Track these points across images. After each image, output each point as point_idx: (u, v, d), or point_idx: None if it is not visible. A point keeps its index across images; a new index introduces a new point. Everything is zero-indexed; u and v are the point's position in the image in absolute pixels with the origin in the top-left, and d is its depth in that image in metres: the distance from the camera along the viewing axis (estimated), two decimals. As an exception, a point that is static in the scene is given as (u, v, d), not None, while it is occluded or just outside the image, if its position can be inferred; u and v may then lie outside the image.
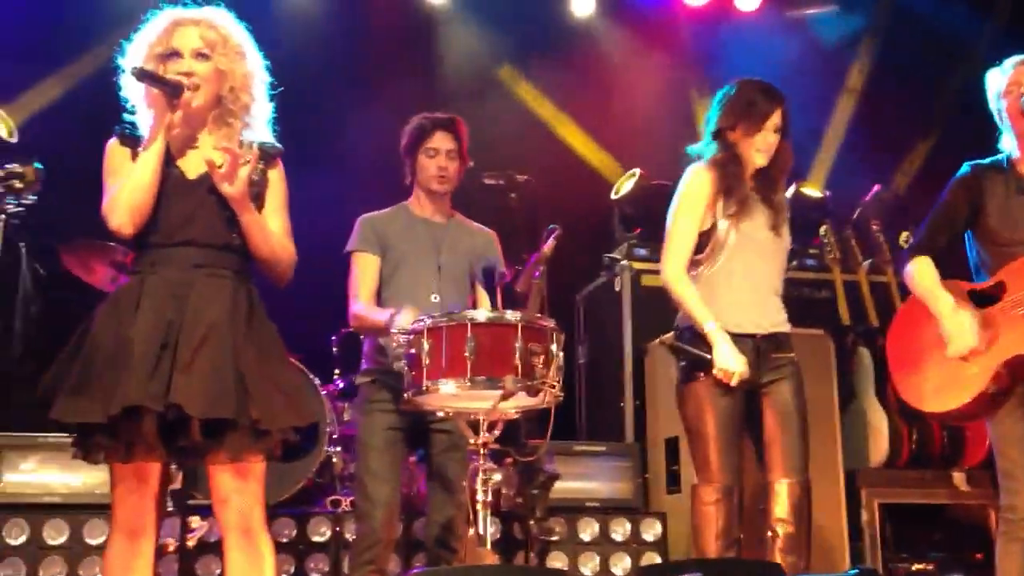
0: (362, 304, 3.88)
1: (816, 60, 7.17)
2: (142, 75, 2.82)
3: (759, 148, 3.69)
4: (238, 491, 2.81)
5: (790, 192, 5.52)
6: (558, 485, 4.48)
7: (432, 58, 6.95)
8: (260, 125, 3.06)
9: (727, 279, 3.65)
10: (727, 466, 3.57)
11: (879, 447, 5.05)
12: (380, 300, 3.93)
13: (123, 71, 2.94)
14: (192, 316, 2.77)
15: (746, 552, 3.74)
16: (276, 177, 3.06)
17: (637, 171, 6.01)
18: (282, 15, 6.66)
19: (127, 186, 2.82)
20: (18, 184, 2.66)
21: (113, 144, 2.95)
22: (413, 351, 3.27)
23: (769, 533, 3.62)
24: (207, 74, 2.91)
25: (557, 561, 4.70)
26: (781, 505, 3.58)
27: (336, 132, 6.19)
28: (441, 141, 3.97)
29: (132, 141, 2.93)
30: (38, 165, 2.73)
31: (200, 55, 2.91)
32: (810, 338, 4.68)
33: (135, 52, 2.95)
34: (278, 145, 3.09)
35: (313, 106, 5.85)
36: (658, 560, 4.79)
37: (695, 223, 3.66)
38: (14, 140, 5.16)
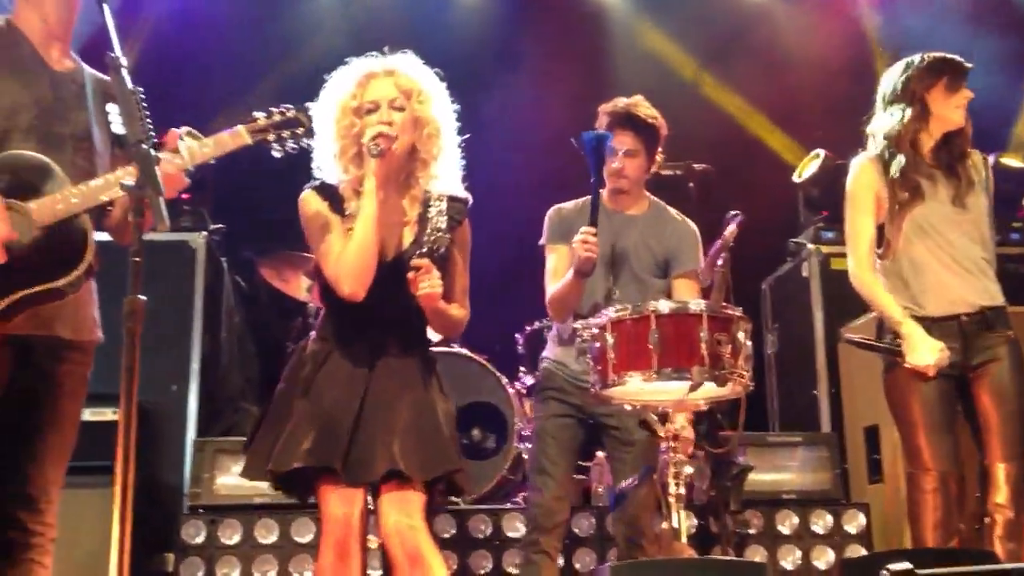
0: (555, 287, 3.84)
1: (1013, 27, 6.74)
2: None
3: (959, 104, 3.60)
4: (399, 509, 2.88)
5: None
6: (753, 477, 4.39)
7: (604, 47, 6.92)
8: (449, 173, 3.09)
9: (912, 267, 3.57)
10: (940, 453, 3.45)
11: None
12: None
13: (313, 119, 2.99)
14: (380, 391, 2.93)
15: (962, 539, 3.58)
16: (461, 236, 3.12)
17: (821, 152, 5.82)
18: (457, 6, 6.81)
19: (351, 251, 2.90)
20: (300, 129, 2.81)
21: (309, 195, 3.02)
22: (598, 345, 3.27)
23: (987, 520, 3.47)
24: (405, 123, 2.97)
25: (756, 555, 4.60)
26: (1000, 491, 3.43)
27: (517, 124, 6.24)
28: (619, 141, 3.86)
29: (326, 192, 3.01)
30: (305, 108, 2.87)
31: (397, 107, 2.97)
32: (1016, 316, 4.42)
33: (328, 107, 3.01)
34: (466, 197, 3.13)
35: (493, 96, 5.93)
36: (863, 553, 4.62)
37: (869, 219, 3.62)
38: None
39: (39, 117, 2.75)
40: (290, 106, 2.85)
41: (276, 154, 2.85)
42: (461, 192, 3.14)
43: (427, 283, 2.88)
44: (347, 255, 2.91)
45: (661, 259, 3.91)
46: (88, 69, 2.93)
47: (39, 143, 2.71)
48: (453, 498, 3.93)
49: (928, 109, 3.59)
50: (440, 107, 3.05)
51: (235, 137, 2.77)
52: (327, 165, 3.04)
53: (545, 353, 4.03)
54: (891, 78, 3.70)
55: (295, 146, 2.87)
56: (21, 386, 2.72)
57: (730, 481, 4.17)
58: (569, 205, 4.00)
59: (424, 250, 3.00)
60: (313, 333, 3.10)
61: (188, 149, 2.71)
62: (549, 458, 3.80)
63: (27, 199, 2.60)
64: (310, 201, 3.02)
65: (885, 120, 3.66)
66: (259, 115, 2.82)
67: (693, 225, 3.99)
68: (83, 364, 2.87)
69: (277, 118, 2.81)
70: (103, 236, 2.85)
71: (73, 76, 2.88)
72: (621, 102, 3.90)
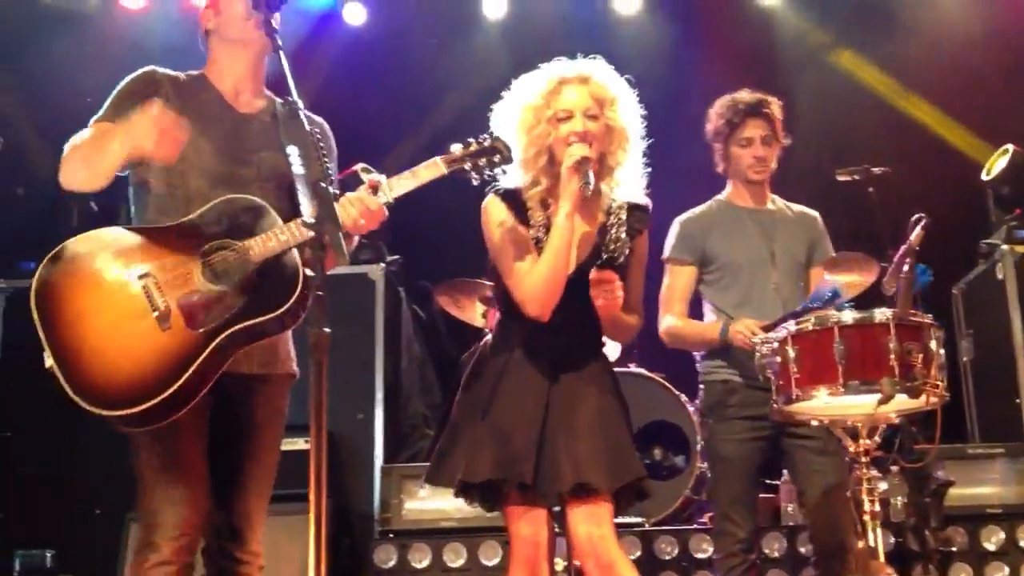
0: (674, 318, 3.81)
1: None
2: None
3: None
4: (589, 520, 2.85)
5: None
6: (953, 492, 4.20)
7: (768, 53, 6.78)
8: (633, 180, 3.04)
9: None
10: None
11: None
12: (719, 305, 3.83)
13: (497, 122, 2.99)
14: (562, 395, 2.92)
15: None
16: (640, 246, 3.06)
17: (1010, 147, 5.53)
18: (619, 26, 6.82)
19: (541, 276, 2.88)
20: (497, 157, 2.85)
21: (493, 201, 3.00)
22: (779, 359, 3.19)
23: None
24: (598, 133, 2.93)
25: (961, 572, 4.42)
26: None
27: (667, 129, 6.16)
28: (754, 129, 3.82)
29: (511, 199, 2.99)
30: (498, 136, 2.89)
31: (591, 116, 2.92)
32: None
33: (517, 110, 2.98)
34: (647, 204, 3.09)
35: (663, 113, 5.89)
36: (1077, 569, 4.35)
37: None
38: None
39: (219, 162, 2.86)
40: (486, 136, 2.87)
41: (474, 182, 2.89)
42: (643, 199, 3.07)
43: (608, 294, 2.85)
44: (536, 280, 2.89)
45: (808, 250, 3.85)
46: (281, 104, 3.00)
47: (222, 187, 2.81)
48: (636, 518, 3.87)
49: None
50: (630, 114, 3.00)
51: (431, 168, 2.82)
52: (511, 169, 2.97)
53: (707, 362, 3.84)
54: None
55: (491, 174, 2.89)
56: (219, 421, 2.83)
57: (929, 497, 4.00)
58: (698, 213, 3.91)
59: (604, 259, 2.96)
60: (489, 338, 3.10)
61: (388, 183, 2.77)
62: (738, 489, 3.65)
63: (243, 239, 2.72)
64: (494, 208, 2.99)
65: None
66: (456, 147, 2.85)
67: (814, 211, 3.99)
68: (276, 397, 2.95)
69: (474, 148, 2.84)
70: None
71: (261, 116, 2.99)
72: (742, 94, 3.88)
